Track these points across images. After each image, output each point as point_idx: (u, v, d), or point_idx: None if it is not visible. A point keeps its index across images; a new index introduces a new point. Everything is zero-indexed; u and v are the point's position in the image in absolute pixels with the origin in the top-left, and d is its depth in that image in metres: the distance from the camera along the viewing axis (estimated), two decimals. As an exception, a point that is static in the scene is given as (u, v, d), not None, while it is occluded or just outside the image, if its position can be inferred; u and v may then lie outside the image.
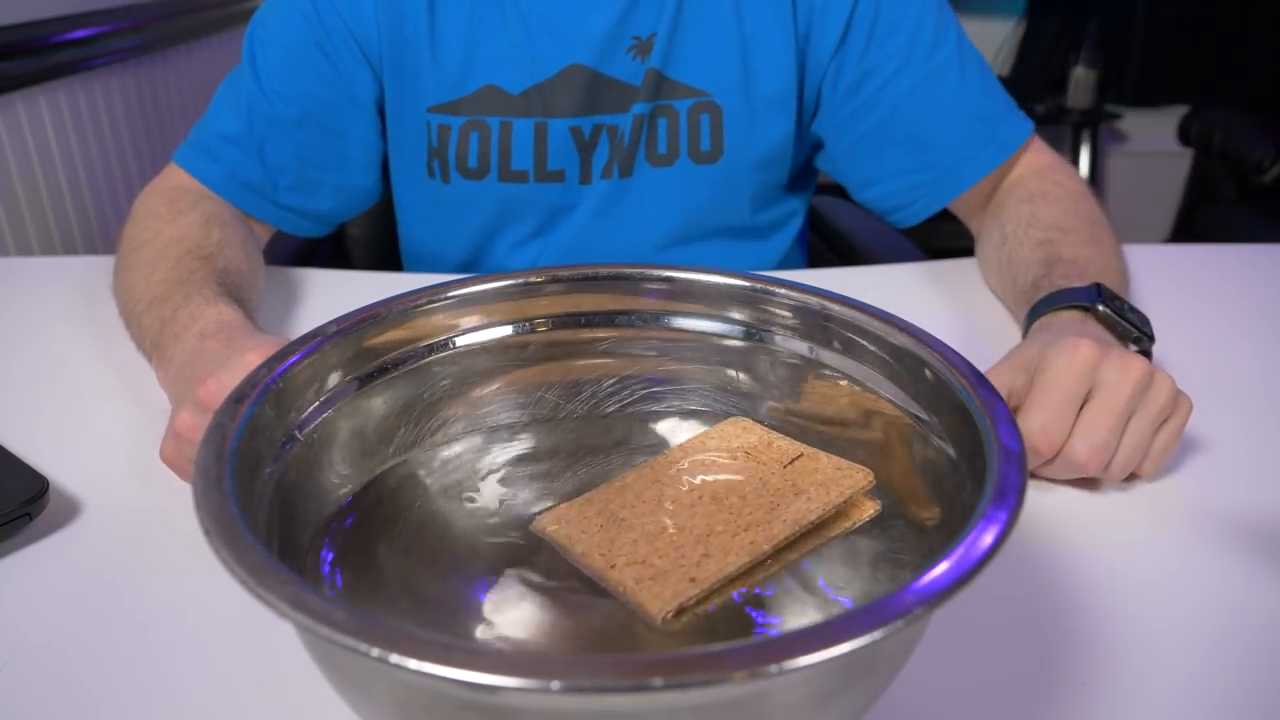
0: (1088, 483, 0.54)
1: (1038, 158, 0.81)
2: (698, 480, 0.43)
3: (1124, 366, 0.50)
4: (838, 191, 0.97)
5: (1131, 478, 0.54)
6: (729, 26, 0.80)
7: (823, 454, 0.44)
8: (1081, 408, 0.51)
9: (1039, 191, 0.76)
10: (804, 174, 0.92)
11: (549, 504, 0.44)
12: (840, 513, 0.41)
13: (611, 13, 0.80)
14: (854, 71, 0.81)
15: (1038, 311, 0.61)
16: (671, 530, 0.40)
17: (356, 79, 0.81)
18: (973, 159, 0.80)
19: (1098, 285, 0.60)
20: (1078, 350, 0.51)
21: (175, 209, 0.74)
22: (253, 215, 0.81)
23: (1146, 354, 0.59)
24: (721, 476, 0.43)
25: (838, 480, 0.42)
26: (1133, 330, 0.58)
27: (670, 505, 0.42)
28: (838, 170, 0.88)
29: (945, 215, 0.85)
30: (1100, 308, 0.58)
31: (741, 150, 0.83)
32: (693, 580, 0.37)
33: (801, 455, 0.44)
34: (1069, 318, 0.59)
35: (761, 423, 0.47)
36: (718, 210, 0.86)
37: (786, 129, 0.83)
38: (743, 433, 0.46)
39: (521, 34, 0.80)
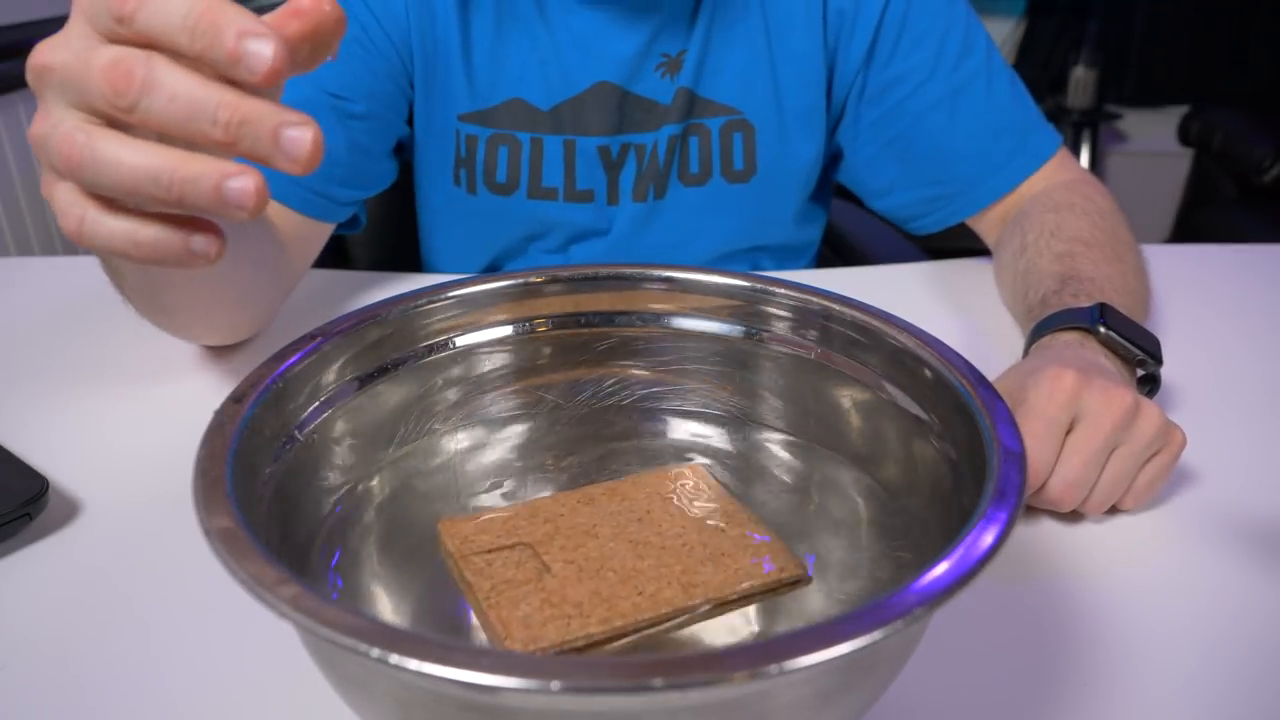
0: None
1: (1064, 170, 0.80)
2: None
3: (1106, 397, 0.48)
4: (839, 193, 0.97)
5: (1113, 510, 0.52)
6: (759, 43, 0.79)
7: (741, 516, 0.42)
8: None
9: (1066, 203, 0.73)
10: (825, 185, 0.91)
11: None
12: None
13: (642, 31, 0.78)
14: (878, 81, 0.80)
15: (1040, 331, 0.59)
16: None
17: (397, 73, 0.78)
18: (996, 174, 0.79)
19: (1101, 305, 0.57)
20: (1059, 379, 0.49)
21: None
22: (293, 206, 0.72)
23: (1153, 378, 0.58)
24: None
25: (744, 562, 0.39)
26: (1136, 353, 0.56)
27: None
28: (855, 180, 0.87)
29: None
30: (1101, 330, 0.56)
31: (774, 168, 0.82)
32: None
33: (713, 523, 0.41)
34: (1067, 340, 0.57)
35: (714, 471, 0.46)
36: (751, 228, 0.86)
37: (817, 144, 0.83)
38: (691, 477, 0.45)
39: (550, 49, 0.78)
